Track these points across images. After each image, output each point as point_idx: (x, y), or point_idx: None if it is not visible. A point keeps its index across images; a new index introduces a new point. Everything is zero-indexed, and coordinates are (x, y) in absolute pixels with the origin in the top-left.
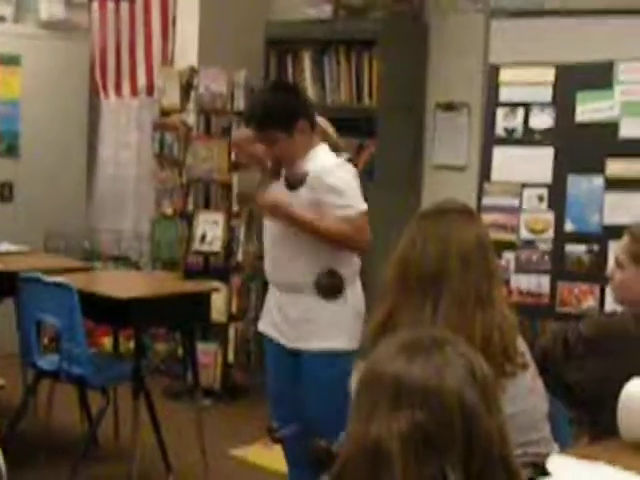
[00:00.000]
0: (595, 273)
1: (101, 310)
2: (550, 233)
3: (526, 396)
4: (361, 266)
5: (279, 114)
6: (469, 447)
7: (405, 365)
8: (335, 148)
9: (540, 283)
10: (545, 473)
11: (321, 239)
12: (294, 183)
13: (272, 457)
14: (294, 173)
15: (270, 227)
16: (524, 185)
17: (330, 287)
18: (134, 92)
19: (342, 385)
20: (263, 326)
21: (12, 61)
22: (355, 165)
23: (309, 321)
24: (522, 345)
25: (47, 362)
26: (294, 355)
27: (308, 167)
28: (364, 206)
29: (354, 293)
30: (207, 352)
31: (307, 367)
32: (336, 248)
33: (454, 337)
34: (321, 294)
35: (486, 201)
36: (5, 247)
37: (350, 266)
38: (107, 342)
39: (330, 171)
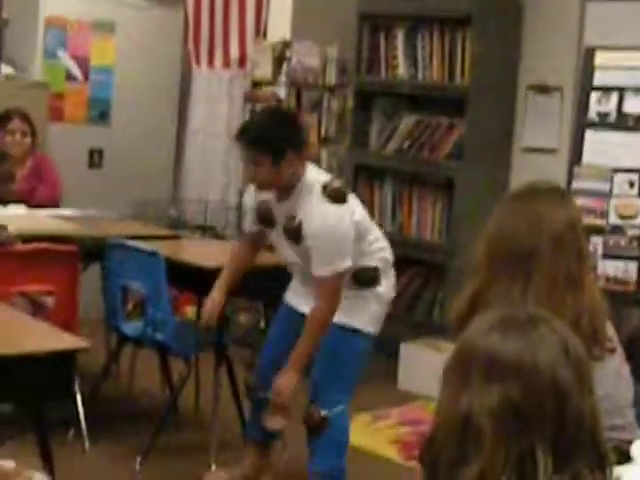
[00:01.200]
0: None
1: (186, 278)
2: (639, 219)
3: (613, 381)
4: (448, 245)
5: (270, 141)
6: (559, 425)
7: (499, 340)
8: None
9: (627, 269)
10: (629, 459)
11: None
12: (295, 238)
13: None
14: (292, 227)
15: (285, 249)
16: (615, 170)
17: (364, 280)
18: (226, 63)
19: (352, 361)
20: (287, 294)
21: (106, 28)
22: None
23: None
24: (610, 329)
25: (131, 328)
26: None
27: (300, 211)
28: (343, 265)
29: (387, 284)
30: None
31: (329, 336)
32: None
33: (549, 315)
34: (357, 284)
35: (576, 185)
36: (93, 213)
37: (381, 260)
38: (190, 311)
39: (323, 231)
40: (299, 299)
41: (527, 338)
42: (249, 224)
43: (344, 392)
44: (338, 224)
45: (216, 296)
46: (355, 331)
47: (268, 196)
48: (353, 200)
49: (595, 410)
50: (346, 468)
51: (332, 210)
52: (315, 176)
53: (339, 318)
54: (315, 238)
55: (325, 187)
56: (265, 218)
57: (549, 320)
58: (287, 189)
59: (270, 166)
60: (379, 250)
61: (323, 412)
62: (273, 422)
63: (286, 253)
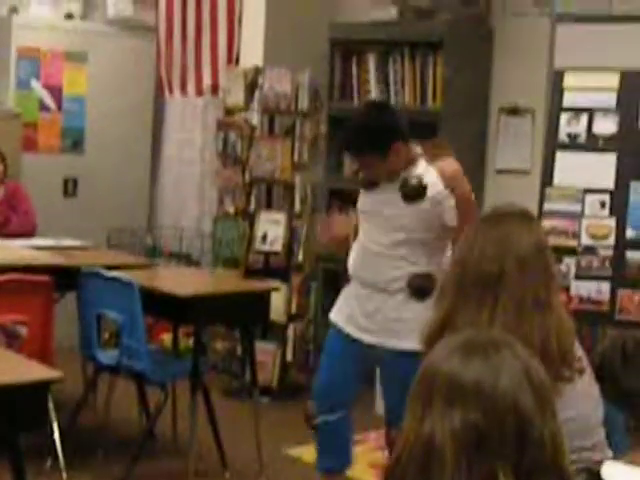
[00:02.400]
0: None
1: (162, 307)
2: (611, 239)
3: (582, 401)
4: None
5: (372, 141)
6: (521, 449)
7: (460, 365)
8: None
9: (600, 290)
10: (599, 479)
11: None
12: (413, 196)
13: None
14: (413, 184)
15: (378, 221)
16: (586, 191)
17: (422, 289)
18: (199, 91)
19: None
20: (335, 316)
21: (79, 58)
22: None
23: (395, 320)
24: (579, 350)
25: (107, 357)
26: (366, 348)
27: (424, 178)
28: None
29: None
30: (266, 351)
31: (389, 363)
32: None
33: (511, 339)
34: (411, 294)
35: (548, 206)
36: (68, 242)
37: (441, 267)
38: (167, 339)
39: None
40: (349, 322)
41: (489, 362)
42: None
43: None
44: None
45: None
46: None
47: None
48: None
49: (557, 434)
50: None
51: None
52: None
53: (406, 344)
54: (438, 193)
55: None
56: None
57: (511, 344)
58: (397, 172)
59: (381, 162)
60: (441, 259)
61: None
62: None
63: (385, 212)
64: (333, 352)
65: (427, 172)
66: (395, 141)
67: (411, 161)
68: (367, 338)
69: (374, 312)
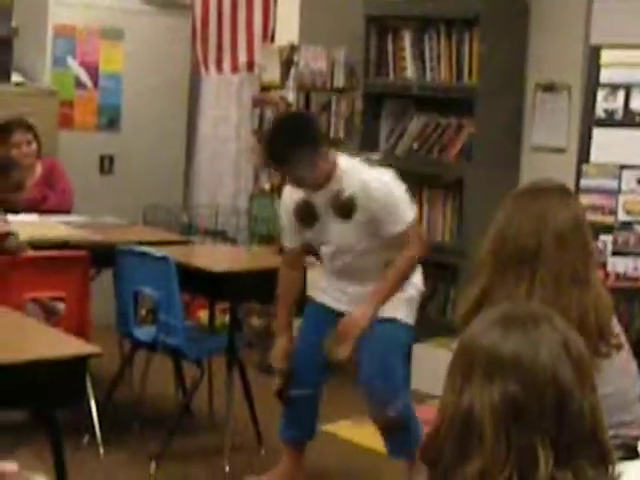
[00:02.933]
0: None
1: (198, 283)
2: None
3: (620, 377)
4: (459, 245)
5: (299, 153)
6: (560, 422)
7: (500, 338)
8: None
9: (637, 266)
10: (637, 454)
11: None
12: (346, 212)
13: (361, 433)
14: (341, 202)
15: (332, 254)
16: (623, 167)
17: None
18: (235, 68)
19: (396, 353)
20: (313, 293)
21: (115, 35)
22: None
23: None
24: (617, 326)
25: (144, 333)
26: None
27: (346, 187)
28: (412, 214)
29: (417, 275)
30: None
31: (373, 332)
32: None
33: (550, 312)
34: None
35: (584, 183)
36: (104, 219)
37: None
38: (203, 315)
39: (374, 187)
40: (335, 298)
41: (528, 335)
42: (289, 238)
43: (393, 385)
44: (392, 179)
45: (283, 343)
46: (396, 322)
47: (301, 194)
48: None
49: (596, 407)
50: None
51: (378, 171)
52: (346, 158)
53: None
54: (369, 198)
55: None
56: (308, 213)
57: (550, 317)
58: (325, 179)
59: (307, 169)
60: None
61: (391, 413)
62: (338, 351)
63: (332, 239)
64: (309, 323)
65: (357, 174)
66: (319, 147)
67: (332, 171)
68: (342, 307)
69: (353, 294)
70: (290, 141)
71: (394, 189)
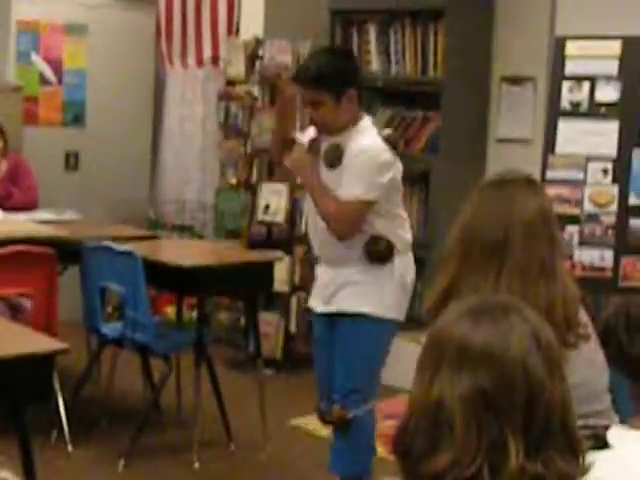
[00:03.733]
0: None
1: (165, 278)
2: (614, 207)
3: (587, 367)
4: (425, 238)
5: (332, 76)
6: (530, 413)
7: (470, 329)
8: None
9: (603, 257)
10: (606, 445)
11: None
12: (332, 161)
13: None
14: (333, 152)
15: (313, 210)
16: (589, 158)
17: (376, 252)
18: (200, 63)
19: (372, 352)
20: (311, 301)
21: (79, 31)
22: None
23: (349, 284)
24: (584, 317)
25: (111, 329)
26: (331, 321)
27: (351, 143)
28: (368, 196)
29: (404, 265)
30: (269, 322)
31: (340, 329)
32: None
33: (520, 304)
34: (368, 258)
35: (550, 174)
36: (70, 215)
37: (399, 236)
38: (170, 311)
39: (365, 151)
40: (318, 294)
41: (498, 326)
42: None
43: (370, 387)
44: (381, 153)
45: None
46: (369, 318)
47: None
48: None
49: (566, 397)
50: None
51: (380, 142)
52: (370, 124)
53: (349, 306)
54: (354, 157)
55: (380, 132)
56: (313, 150)
57: (520, 308)
58: (342, 126)
59: (332, 104)
60: (398, 227)
61: (349, 413)
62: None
63: (316, 221)
64: (316, 339)
65: (366, 138)
66: (351, 87)
67: (356, 121)
68: (326, 308)
69: (329, 282)
70: (331, 61)
71: (375, 165)
